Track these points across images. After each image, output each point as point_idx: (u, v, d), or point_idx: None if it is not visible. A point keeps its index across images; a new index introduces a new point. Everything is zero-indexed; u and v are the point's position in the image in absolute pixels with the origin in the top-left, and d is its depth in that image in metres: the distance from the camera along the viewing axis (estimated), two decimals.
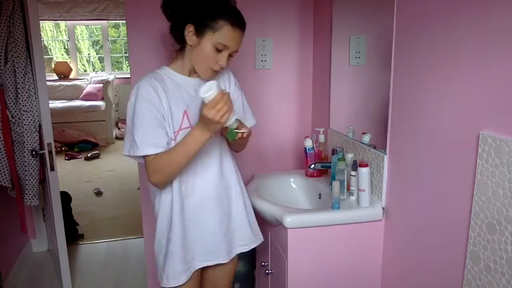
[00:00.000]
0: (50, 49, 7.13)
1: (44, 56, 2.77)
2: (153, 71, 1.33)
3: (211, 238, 1.38)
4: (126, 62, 7.23)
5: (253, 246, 1.49)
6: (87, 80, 6.76)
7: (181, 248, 1.34)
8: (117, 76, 6.88)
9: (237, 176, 1.46)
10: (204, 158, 1.35)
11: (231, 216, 1.43)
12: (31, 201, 2.26)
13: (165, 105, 1.27)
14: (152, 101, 1.25)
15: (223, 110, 1.12)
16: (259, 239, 1.51)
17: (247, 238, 1.47)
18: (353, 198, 1.50)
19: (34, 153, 2.18)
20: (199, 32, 1.22)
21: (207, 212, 1.37)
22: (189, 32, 1.24)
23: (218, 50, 1.24)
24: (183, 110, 1.30)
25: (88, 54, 7.45)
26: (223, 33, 1.21)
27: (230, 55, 1.27)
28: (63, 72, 6.76)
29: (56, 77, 6.71)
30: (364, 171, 1.42)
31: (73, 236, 3.07)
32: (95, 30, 7.33)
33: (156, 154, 1.24)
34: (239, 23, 1.23)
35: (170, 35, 1.33)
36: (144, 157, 1.26)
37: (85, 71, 7.32)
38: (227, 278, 1.53)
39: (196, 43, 1.24)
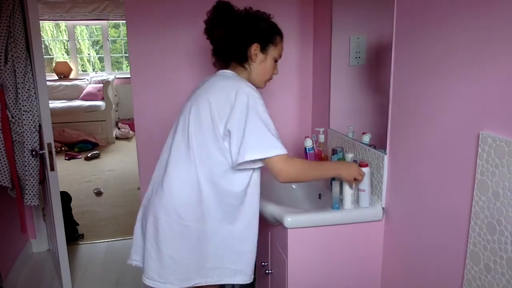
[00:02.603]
0: (50, 48, 7.13)
1: (45, 56, 2.77)
2: (239, 79, 1.35)
3: None
4: (126, 62, 7.23)
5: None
6: (87, 80, 6.76)
7: None
8: (117, 76, 6.89)
9: None
10: None
11: None
12: (31, 201, 2.26)
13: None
14: (261, 97, 1.32)
15: (359, 178, 1.40)
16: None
17: None
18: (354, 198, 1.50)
19: (34, 153, 2.18)
20: (264, 49, 1.39)
21: None
22: (255, 51, 1.37)
23: (275, 62, 1.44)
24: None
25: (88, 54, 7.45)
26: (279, 46, 1.42)
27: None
28: (63, 72, 6.76)
29: (56, 77, 6.71)
30: (364, 171, 1.42)
31: (73, 236, 3.07)
32: (95, 30, 7.33)
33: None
34: (283, 37, 1.44)
35: (216, 55, 1.41)
36: (272, 158, 1.27)
37: (84, 71, 7.32)
38: None
39: (263, 59, 1.39)
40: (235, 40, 1.35)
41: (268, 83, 2.13)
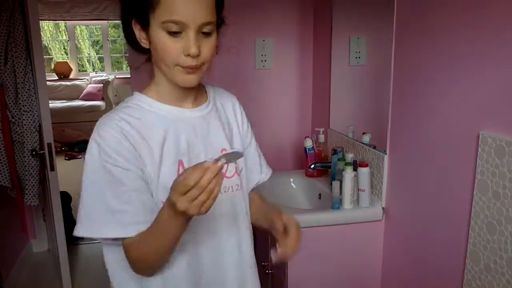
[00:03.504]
0: (50, 48, 7.13)
1: (44, 56, 2.77)
2: (120, 105, 0.87)
3: None
4: (126, 62, 7.23)
5: None
6: (87, 80, 6.76)
7: None
8: (117, 76, 6.88)
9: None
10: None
11: None
12: (31, 201, 2.26)
13: (146, 157, 0.81)
14: (123, 153, 0.79)
15: (200, 198, 0.66)
16: None
17: None
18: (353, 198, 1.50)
19: (34, 153, 2.18)
20: (143, 22, 0.79)
21: None
22: (137, 30, 0.82)
23: (173, 34, 0.76)
24: (177, 159, 0.84)
25: (88, 54, 7.45)
26: (164, 6, 0.75)
27: (204, 34, 0.78)
28: (63, 72, 6.76)
29: (56, 77, 6.71)
30: (364, 171, 1.42)
31: (73, 236, 3.06)
32: (95, 30, 7.33)
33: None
34: None
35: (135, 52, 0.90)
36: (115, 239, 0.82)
37: (84, 71, 7.32)
38: None
39: (145, 40, 0.81)
40: (124, 26, 0.85)
41: (268, 83, 2.11)
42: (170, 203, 0.69)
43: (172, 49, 0.77)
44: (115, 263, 0.89)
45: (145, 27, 0.79)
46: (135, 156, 0.80)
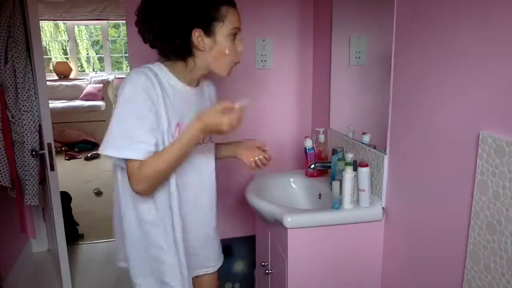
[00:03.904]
0: (49, 49, 7.13)
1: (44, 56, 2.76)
2: (146, 66, 1.13)
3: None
4: (126, 62, 7.23)
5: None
6: (87, 80, 6.76)
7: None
8: (117, 76, 6.88)
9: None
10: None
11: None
12: (31, 201, 2.26)
13: (161, 108, 1.10)
14: (150, 93, 1.07)
15: (235, 122, 1.09)
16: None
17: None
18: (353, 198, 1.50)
19: (34, 153, 2.18)
20: (209, 31, 1.10)
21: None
22: (198, 38, 1.10)
23: (234, 37, 1.13)
24: (176, 121, 1.15)
25: (87, 54, 7.45)
26: (230, 17, 1.11)
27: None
28: (63, 72, 6.76)
29: (56, 77, 6.71)
30: (364, 171, 1.42)
31: (73, 236, 3.07)
32: (94, 30, 7.33)
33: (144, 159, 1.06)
34: (233, 1, 1.15)
35: (163, 55, 1.17)
36: (126, 160, 1.08)
37: (84, 71, 7.32)
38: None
39: (211, 44, 1.11)
40: (167, 35, 1.10)
41: (268, 83, 2.12)
42: (201, 123, 1.07)
43: (233, 49, 1.15)
44: (125, 184, 1.14)
45: (210, 35, 1.10)
46: (157, 103, 1.09)
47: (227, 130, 1.08)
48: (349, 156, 1.55)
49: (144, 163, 1.06)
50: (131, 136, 1.05)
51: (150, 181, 1.08)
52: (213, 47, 1.12)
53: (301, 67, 2.08)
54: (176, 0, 1.07)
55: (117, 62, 7.39)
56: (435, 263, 1.20)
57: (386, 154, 1.42)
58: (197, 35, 1.09)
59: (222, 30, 1.11)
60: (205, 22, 1.09)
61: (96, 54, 7.54)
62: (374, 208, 1.46)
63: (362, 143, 1.58)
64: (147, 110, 1.06)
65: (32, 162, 2.21)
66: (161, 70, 1.14)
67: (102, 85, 6.33)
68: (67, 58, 7.10)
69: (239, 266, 2.21)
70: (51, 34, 7.21)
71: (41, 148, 2.21)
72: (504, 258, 0.93)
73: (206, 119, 1.08)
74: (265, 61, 2.02)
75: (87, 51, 7.42)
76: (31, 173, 2.22)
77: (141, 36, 1.17)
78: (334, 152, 1.64)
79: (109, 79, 6.44)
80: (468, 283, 1.05)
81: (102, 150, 1.07)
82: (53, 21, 6.80)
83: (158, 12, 1.09)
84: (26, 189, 2.24)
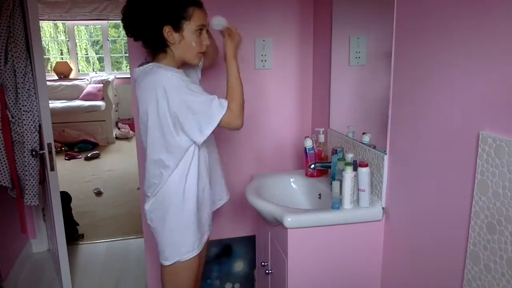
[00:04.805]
0: (48, 50, 7.13)
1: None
2: (159, 67, 1.36)
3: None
4: (126, 62, 7.23)
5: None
6: (87, 80, 6.76)
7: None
8: (117, 76, 6.88)
9: None
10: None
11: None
12: (31, 201, 2.26)
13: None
14: (179, 74, 1.34)
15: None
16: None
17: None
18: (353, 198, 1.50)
19: (34, 153, 2.18)
20: (178, 28, 1.35)
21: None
22: (168, 33, 1.35)
23: (199, 33, 1.38)
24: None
25: (86, 54, 7.45)
26: (196, 17, 1.36)
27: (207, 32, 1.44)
28: (63, 72, 6.76)
29: (56, 77, 6.71)
30: (364, 171, 1.42)
31: (73, 236, 3.07)
32: (94, 30, 7.33)
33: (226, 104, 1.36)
34: (200, 3, 1.39)
35: (145, 46, 1.44)
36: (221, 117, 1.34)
37: (83, 71, 7.32)
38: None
39: (179, 38, 1.36)
40: (143, 31, 1.37)
41: (268, 83, 2.13)
42: (231, 46, 1.44)
43: (198, 43, 1.40)
44: (201, 155, 1.46)
45: (178, 31, 1.35)
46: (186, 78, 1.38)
47: (239, 39, 1.46)
48: (349, 156, 1.55)
49: (230, 107, 1.34)
50: (208, 104, 1.31)
51: (241, 112, 1.38)
52: (181, 41, 1.37)
53: (301, 67, 2.08)
54: (151, 1, 1.32)
55: (117, 62, 7.40)
56: (435, 263, 1.20)
57: (386, 154, 1.42)
58: (167, 31, 1.34)
59: (189, 27, 1.35)
60: (174, 20, 1.34)
61: (96, 54, 7.54)
62: (374, 208, 1.46)
63: (362, 143, 1.58)
64: (189, 83, 1.32)
65: (32, 162, 2.21)
66: (163, 66, 1.37)
67: (102, 85, 6.33)
68: (67, 58, 7.09)
69: (239, 266, 2.21)
70: (51, 34, 7.21)
71: (41, 148, 2.21)
72: (504, 258, 0.93)
73: (231, 50, 1.43)
74: (265, 61, 2.02)
75: (86, 51, 7.42)
76: (31, 173, 2.22)
77: (125, 31, 1.41)
78: (334, 152, 1.64)
79: (109, 79, 6.44)
80: (468, 283, 1.05)
81: (201, 135, 1.33)
82: (53, 21, 6.80)
83: (137, 11, 1.34)
84: (26, 189, 2.24)
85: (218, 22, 1.44)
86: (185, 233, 1.44)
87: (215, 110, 1.32)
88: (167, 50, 1.39)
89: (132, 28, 1.39)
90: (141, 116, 1.40)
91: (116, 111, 6.70)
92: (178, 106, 1.30)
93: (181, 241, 1.45)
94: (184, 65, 1.47)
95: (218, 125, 1.34)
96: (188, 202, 1.42)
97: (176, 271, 1.48)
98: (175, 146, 1.37)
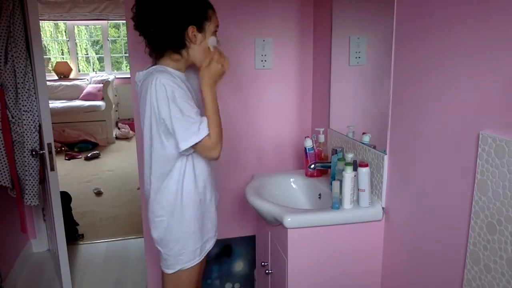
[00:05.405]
0: (48, 49, 7.13)
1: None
2: (158, 70, 1.34)
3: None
4: (126, 62, 7.23)
5: None
6: (87, 80, 6.76)
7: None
8: (117, 76, 6.88)
9: None
10: None
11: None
12: (31, 201, 2.26)
13: (188, 92, 1.37)
14: (181, 86, 1.32)
15: (221, 60, 1.37)
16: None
17: None
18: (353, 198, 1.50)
19: (34, 153, 2.18)
20: (201, 28, 1.37)
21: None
22: (193, 33, 1.36)
23: (215, 34, 1.42)
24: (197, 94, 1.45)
25: (86, 54, 7.45)
26: (213, 18, 1.40)
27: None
28: (63, 72, 6.76)
29: (56, 77, 6.71)
30: (364, 171, 1.42)
31: (73, 236, 3.07)
32: (94, 30, 7.33)
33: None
34: (212, 5, 1.42)
35: (150, 47, 1.40)
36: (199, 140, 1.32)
37: (83, 71, 7.32)
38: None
39: (202, 38, 1.38)
40: (167, 29, 1.33)
41: (268, 83, 2.13)
42: (207, 76, 1.36)
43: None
44: (196, 163, 1.43)
45: (201, 31, 1.37)
46: (185, 89, 1.34)
47: (223, 68, 1.38)
48: (349, 156, 1.55)
49: (209, 135, 1.32)
50: (191, 123, 1.30)
51: (219, 143, 1.35)
52: (202, 41, 1.38)
53: (301, 67, 2.08)
54: (177, 1, 1.32)
55: (117, 62, 7.40)
56: (435, 263, 1.20)
57: (386, 154, 1.42)
58: (191, 31, 1.35)
59: (210, 28, 1.39)
60: (199, 20, 1.36)
61: (96, 54, 7.54)
62: (374, 208, 1.46)
63: (362, 143, 1.58)
64: (186, 97, 1.30)
65: (32, 162, 2.21)
66: (164, 68, 1.36)
67: (102, 85, 6.33)
68: (67, 58, 7.09)
69: (239, 266, 2.21)
70: (51, 34, 7.21)
71: (41, 148, 2.21)
72: (504, 258, 0.93)
73: (206, 78, 1.36)
74: (265, 61, 2.02)
75: (86, 51, 7.42)
76: (31, 173, 2.22)
77: (139, 30, 1.38)
78: (334, 152, 1.64)
79: (109, 79, 6.44)
80: (468, 283, 1.05)
81: (181, 147, 1.31)
82: (53, 21, 6.80)
83: (161, 10, 1.32)
84: (26, 189, 2.24)
85: (212, 40, 1.41)
86: (187, 242, 1.44)
87: (192, 133, 1.30)
88: (181, 51, 1.38)
89: (154, 26, 1.33)
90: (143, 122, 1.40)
91: (116, 111, 6.71)
92: (166, 114, 1.30)
93: (183, 250, 1.44)
94: (190, 67, 1.46)
95: (194, 148, 1.34)
96: (188, 211, 1.42)
97: (178, 278, 1.48)
98: (164, 153, 1.37)
